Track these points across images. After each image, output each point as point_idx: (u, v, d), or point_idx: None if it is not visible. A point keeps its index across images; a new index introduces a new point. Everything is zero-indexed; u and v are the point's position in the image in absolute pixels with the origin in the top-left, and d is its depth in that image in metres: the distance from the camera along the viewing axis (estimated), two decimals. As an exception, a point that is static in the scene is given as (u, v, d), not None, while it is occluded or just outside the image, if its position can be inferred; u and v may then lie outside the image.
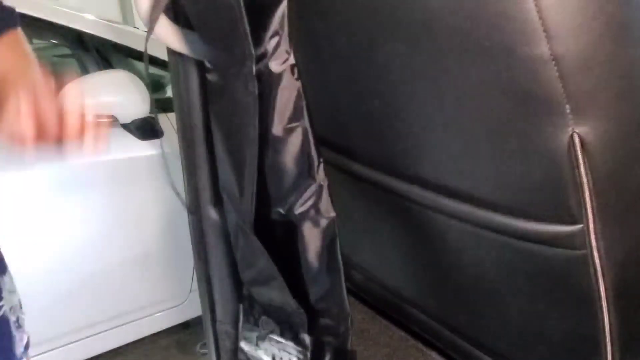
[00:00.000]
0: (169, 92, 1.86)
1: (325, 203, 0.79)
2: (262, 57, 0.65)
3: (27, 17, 1.54)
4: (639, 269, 0.61)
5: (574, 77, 0.46)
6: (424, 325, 0.99)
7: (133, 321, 1.77)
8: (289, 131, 0.72)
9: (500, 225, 0.64)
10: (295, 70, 0.68)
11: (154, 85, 2.02)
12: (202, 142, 1.04)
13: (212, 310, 1.24)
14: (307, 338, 0.84)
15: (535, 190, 0.58)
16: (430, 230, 0.79)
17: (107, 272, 1.63)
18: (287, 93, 0.70)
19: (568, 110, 0.48)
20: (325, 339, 0.84)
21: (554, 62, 0.46)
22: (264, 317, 0.92)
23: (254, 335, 0.96)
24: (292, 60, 0.67)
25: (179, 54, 1.01)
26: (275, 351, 0.92)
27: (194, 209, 1.20)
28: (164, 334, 1.87)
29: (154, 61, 1.67)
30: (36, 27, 1.64)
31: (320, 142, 0.91)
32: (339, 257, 0.80)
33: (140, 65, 1.97)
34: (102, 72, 1.75)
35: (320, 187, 0.78)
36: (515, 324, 0.76)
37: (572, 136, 0.50)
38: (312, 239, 0.79)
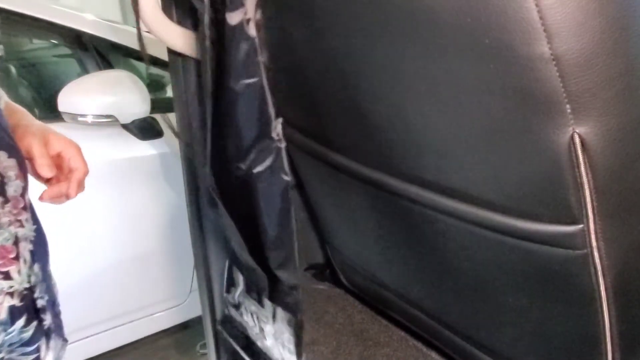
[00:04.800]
0: (169, 92, 1.86)
1: (281, 165, 0.81)
2: (221, 8, 0.66)
3: (27, 17, 1.54)
4: (639, 268, 0.61)
5: (574, 76, 0.46)
6: (424, 325, 0.99)
7: (133, 321, 1.77)
8: (245, 87, 0.73)
9: (500, 225, 0.64)
10: (251, 25, 0.68)
11: (154, 85, 2.02)
12: (202, 142, 1.04)
13: (212, 310, 1.24)
14: (268, 303, 0.85)
15: (535, 190, 0.58)
16: (430, 229, 0.79)
17: (106, 272, 1.63)
18: (244, 47, 0.71)
19: (568, 110, 0.48)
20: (281, 304, 0.85)
21: (554, 61, 0.46)
22: (240, 277, 0.93)
23: (236, 295, 0.97)
24: (249, 13, 0.68)
25: (179, 54, 1.01)
26: (253, 308, 0.93)
27: (194, 209, 1.20)
28: (163, 334, 1.87)
29: (154, 61, 1.67)
30: (36, 27, 1.64)
31: (320, 142, 0.92)
32: (293, 224, 0.82)
33: (140, 65, 1.97)
34: (102, 72, 1.75)
35: (278, 148, 0.79)
36: (515, 324, 0.76)
37: (572, 136, 0.50)
38: (269, 200, 0.81)
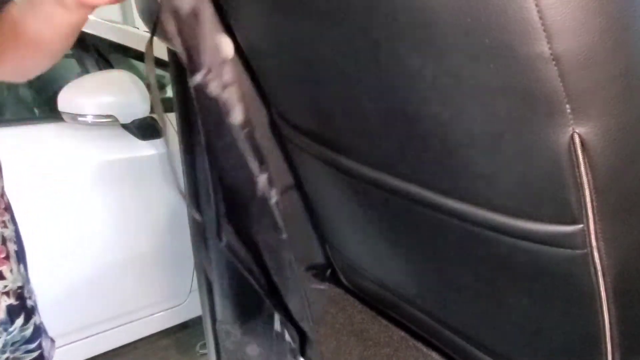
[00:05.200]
0: (169, 92, 1.86)
1: (272, 222, 0.83)
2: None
3: (27, 17, 1.54)
4: (639, 268, 0.61)
5: (574, 76, 0.46)
6: (424, 325, 0.99)
7: (133, 321, 1.77)
8: (221, 147, 0.76)
9: (500, 225, 0.64)
10: (215, 85, 0.72)
11: (154, 85, 2.01)
12: (202, 142, 1.04)
13: (212, 310, 1.24)
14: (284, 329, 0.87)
15: (535, 190, 0.58)
16: (430, 229, 0.79)
17: (106, 272, 1.64)
18: (208, 107, 0.73)
19: (568, 110, 0.48)
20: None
21: (554, 61, 0.45)
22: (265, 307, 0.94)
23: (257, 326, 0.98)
24: (212, 74, 0.72)
25: (179, 54, 1.01)
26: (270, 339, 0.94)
27: (194, 209, 1.20)
28: (163, 334, 1.87)
29: (154, 61, 1.67)
30: (36, 27, 1.64)
31: (320, 142, 0.92)
32: (296, 273, 0.84)
33: (140, 65, 1.97)
34: (102, 72, 1.75)
35: (268, 206, 0.82)
36: (515, 323, 0.76)
37: (572, 136, 0.50)
38: (271, 255, 0.84)
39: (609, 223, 0.55)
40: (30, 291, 0.65)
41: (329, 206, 1.10)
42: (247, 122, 0.74)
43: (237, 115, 0.74)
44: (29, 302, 0.64)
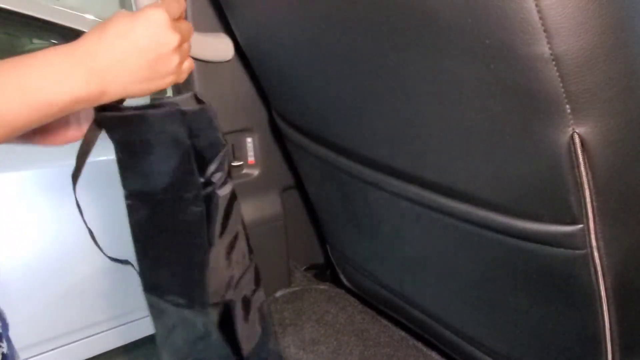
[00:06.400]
0: (169, 92, 1.86)
1: (258, 292, 0.90)
2: (207, 185, 0.78)
3: (27, 17, 1.54)
4: (639, 268, 0.61)
5: (574, 76, 0.46)
6: (424, 325, 0.99)
7: (134, 321, 1.77)
8: (229, 239, 0.84)
9: (500, 225, 0.64)
10: (234, 193, 0.81)
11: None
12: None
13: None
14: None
15: (535, 190, 0.58)
16: (430, 230, 0.79)
17: (108, 271, 1.63)
18: (230, 210, 0.82)
19: (568, 110, 0.48)
20: None
21: (554, 62, 0.46)
22: None
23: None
24: (231, 184, 0.80)
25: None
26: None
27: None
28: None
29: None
30: (36, 27, 1.64)
31: (320, 143, 0.92)
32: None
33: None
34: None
35: (255, 276, 0.89)
36: (515, 323, 0.76)
37: (572, 136, 0.50)
38: (245, 327, 0.91)
39: (609, 223, 0.55)
40: None
41: (329, 206, 1.10)
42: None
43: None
44: None
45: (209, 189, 0.77)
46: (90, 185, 1.57)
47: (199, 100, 0.73)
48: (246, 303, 0.88)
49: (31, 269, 1.47)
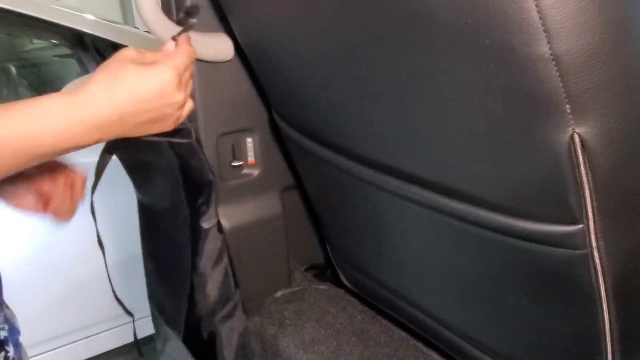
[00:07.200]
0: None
1: (239, 319, 0.99)
2: (194, 214, 0.83)
3: (27, 17, 1.54)
4: (639, 268, 0.61)
5: (574, 76, 0.46)
6: (424, 325, 0.99)
7: (135, 320, 1.77)
8: (213, 268, 0.92)
9: (500, 225, 0.64)
10: (219, 227, 0.88)
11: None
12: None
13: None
14: None
15: (535, 190, 0.58)
16: (430, 230, 0.79)
17: (109, 271, 1.64)
18: (214, 243, 0.88)
19: (568, 110, 0.48)
20: None
21: (554, 62, 0.46)
22: None
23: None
24: (216, 218, 0.87)
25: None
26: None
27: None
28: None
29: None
30: (36, 27, 1.64)
31: (320, 143, 0.92)
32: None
33: (140, 66, 1.96)
34: (102, 72, 1.74)
35: (235, 306, 0.97)
36: (516, 323, 0.76)
37: (572, 136, 0.50)
38: (228, 345, 0.98)
39: (609, 223, 0.55)
40: (4, 321, 0.61)
41: (329, 206, 1.10)
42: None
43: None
44: (2, 334, 0.59)
45: (195, 219, 0.84)
46: (113, 183, 1.57)
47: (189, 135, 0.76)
48: (228, 331, 0.96)
49: (31, 269, 1.47)
